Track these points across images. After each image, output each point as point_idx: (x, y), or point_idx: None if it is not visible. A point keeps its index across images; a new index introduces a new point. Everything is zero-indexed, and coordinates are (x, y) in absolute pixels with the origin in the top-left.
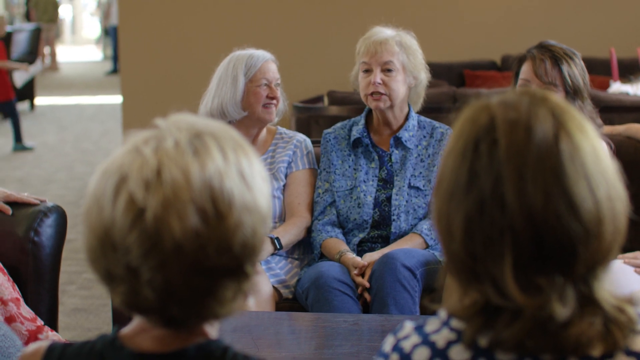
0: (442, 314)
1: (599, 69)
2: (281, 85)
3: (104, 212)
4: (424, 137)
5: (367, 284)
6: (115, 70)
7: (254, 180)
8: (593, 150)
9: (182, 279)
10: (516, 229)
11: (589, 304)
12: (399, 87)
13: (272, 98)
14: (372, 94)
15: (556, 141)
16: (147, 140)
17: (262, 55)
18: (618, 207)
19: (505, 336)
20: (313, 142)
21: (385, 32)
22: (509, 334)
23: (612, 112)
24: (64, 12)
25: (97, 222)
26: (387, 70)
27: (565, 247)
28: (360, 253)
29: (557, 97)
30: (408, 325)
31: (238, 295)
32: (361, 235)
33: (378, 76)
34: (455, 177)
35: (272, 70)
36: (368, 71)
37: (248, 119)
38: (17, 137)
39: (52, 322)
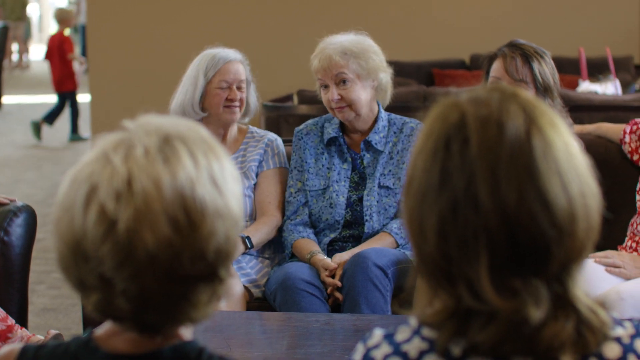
0: (413, 321)
1: (567, 68)
2: (252, 85)
3: (74, 223)
4: (394, 133)
5: (339, 284)
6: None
7: (225, 184)
8: (565, 146)
9: (156, 288)
10: (491, 228)
11: (563, 305)
12: (359, 95)
13: (232, 100)
14: (335, 107)
15: (528, 138)
16: (116, 146)
17: (225, 55)
18: (591, 204)
19: (480, 340)
20: (283, 141)
21: (331, 44)
22: (484, 337)
23: (581, 111)
24: (31, 10)
25: (68, 232)
26: (341, 82)
27: (539, 245)
28: (330, 253)
29: (527, 93)
30: (377, 333)
31: (213, 299)
32: (332, 235)
33: (335, 92)
34: (427, 177)
35: (234, 71)
36: (326, 87)
37: (212, 119)
38: (74, 128)
39: (22, 321)
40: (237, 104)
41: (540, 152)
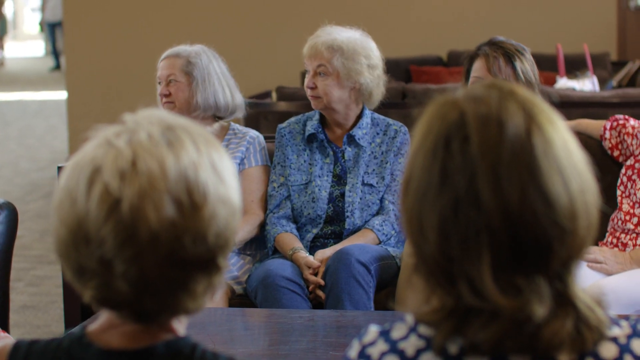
0: (409, 318)
1: (545, 65)
2: (209, 81)
3: (77, 205)
4: (377, 134)
5: (322, 282)
6: (58, 66)
7: (225, 174)
8: (564, 143)
9: (157, 271)
10: (493, 227)
11: (563, 302)
12: (331, 90)
13: (161, 96)
14: (309, 94)
15: (529, 136)
16: (118, 133)
17: (165, 53)
18: (590, 200)
19: (481, 339)
20: (264, 138)
21: (326, 35)
22: (485, 336)
23: (559, 107)
24: (6, 7)
25: (69, 215)
26: (319, 73)
27: (541, 243)
28: (312, 250)
29: (524, 90)
30: (373, 330)
31: (208, 290)
32: (314, 231)
33: (310, 80)
34: (427, 176)
35: (164, 67)
36: (308, 72)
37: None
38: None
39: (3, 319)
40: (166, 99)
41: (541, 150)
